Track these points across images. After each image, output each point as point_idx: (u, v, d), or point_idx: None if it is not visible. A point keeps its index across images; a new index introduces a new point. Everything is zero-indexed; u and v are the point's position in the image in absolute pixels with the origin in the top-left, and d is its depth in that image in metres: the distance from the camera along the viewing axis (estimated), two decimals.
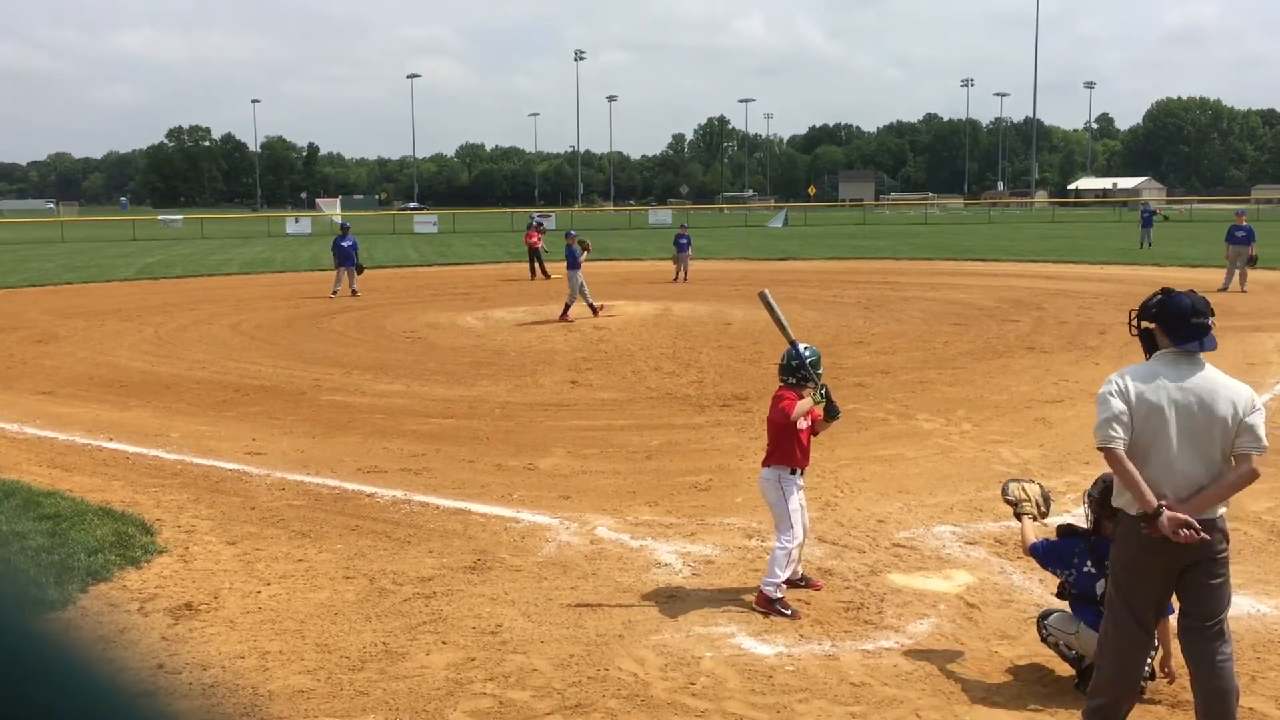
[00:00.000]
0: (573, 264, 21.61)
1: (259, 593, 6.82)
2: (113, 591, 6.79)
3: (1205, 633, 4.61)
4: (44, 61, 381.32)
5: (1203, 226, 57.31)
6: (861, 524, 8.09)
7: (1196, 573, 4.59)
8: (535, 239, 32.21)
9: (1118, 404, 4.59)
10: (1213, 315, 4.68)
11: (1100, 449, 4.64)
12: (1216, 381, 4.62)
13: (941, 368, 15.25)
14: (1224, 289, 24.84)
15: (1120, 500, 4.70)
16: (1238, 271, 24.99)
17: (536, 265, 32.04)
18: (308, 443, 11.08)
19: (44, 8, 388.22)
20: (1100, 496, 5.37)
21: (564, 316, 21.15)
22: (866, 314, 22.00)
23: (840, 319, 21.23)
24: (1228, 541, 4.66)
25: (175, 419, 12.40)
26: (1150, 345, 4.80)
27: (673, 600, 6.65)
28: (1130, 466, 4.51)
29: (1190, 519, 4.39)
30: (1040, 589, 6.71)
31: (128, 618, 6.40)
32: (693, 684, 5.48)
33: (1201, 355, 4.65)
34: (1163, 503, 4.45)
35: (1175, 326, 4.64)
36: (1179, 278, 28.99)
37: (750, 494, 8.92)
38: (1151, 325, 4.76)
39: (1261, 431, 4.56)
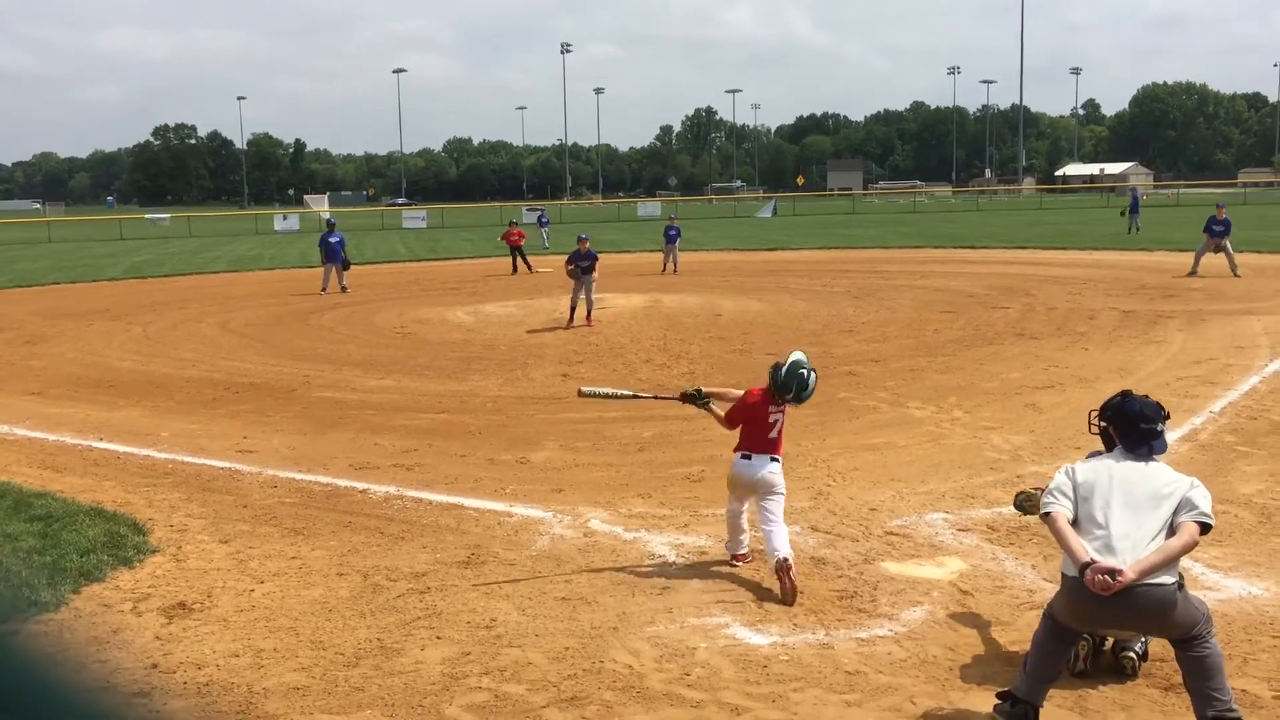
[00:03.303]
0: (592, 267, 19.96)
1: (252, 591, 6.81)
2: (106, 592, 6.77)
3: (1180, 644, 4.79)
4: (28, 60, 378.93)
5: (1190, 210, 57.46)
6: (854, 512, 8.11)
7: (1142, 629, 4.96)
8: (516, 237, 32.09)
9: (1061, 478, 5.05)
10: (1163, 420, 5.06)
11: (1041, 515, 5.09)
12: (1161, 469, 4.98)
13: (932, 355, 15.28)
14: (1191, 274, 24.98)
15: (1064, 564, 4.93)
16: (1225, 256, 25.08)
17: (519, 260, 31.97)
18: (299, 440, 11.06)
19: (27, 6, 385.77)
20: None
21: (589, 320, 19.53)
22: (856, 303, 22.02)
23: (830, 308, 21.25)
24: (1177, 604, 4.71)
25: (165, 418, 12.36)
26: (1109, 443, 5.17)
27: (667, 592, 6.65)
28: (1065, 526, 4.86)
29: (1113, 568, 4.60)
30: (1033, 575, 6.74)
31: (121, 618, 6.38)
32: (688, 675, 5.49)
33: (1152, 456, 5.01)
34: (1093, 558, 4.70)
35: (1125, 432, 5.04)
36: (1166, 262, 29.11)
37: None
38: (1106, 425, 5.16)
39: (1202, 503, 4.79)
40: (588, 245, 20.04)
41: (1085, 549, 4.73)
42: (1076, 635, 5.05)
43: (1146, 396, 5.18)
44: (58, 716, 0.71)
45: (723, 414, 7.22)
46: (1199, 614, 4.78)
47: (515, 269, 31.84)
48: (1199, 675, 4.71)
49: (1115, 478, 4.90)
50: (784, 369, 6.97)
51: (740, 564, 7.08)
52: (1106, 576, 4.59)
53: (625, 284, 26.82)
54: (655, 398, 8.37)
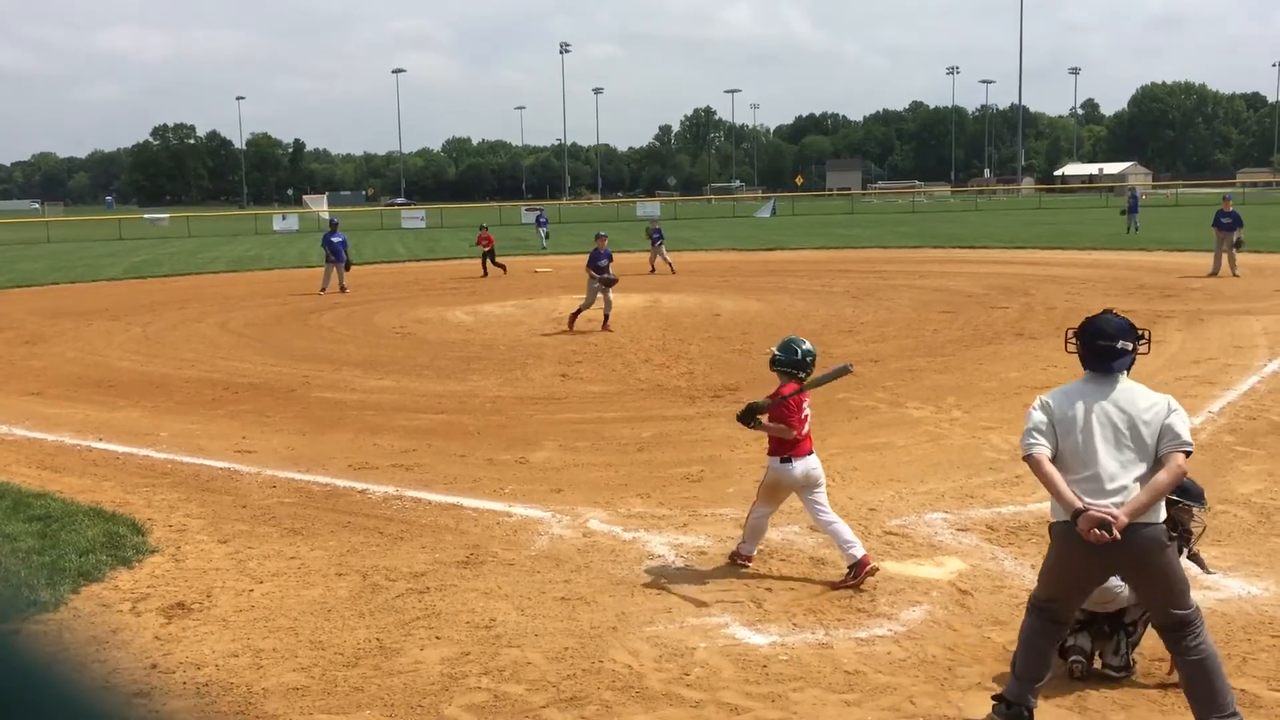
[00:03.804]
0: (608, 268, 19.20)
1: (251, 591, 6.80)
2: (105, 592, 6.77)
3: (1167, 626, 4.75)
4: (27, 60, 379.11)
5: (1189, 210, 57.48)
6: (853, 512, 8.10)
7: (1132, 576, 4.85)
8: (485, 241, 31.31)
9: (1038, 415, 4.86)
10: (1130, 339, 4.87)
11: (1024, 458, 4.89)
12: (1135, 391, 4.83)
13: (931, 355, 15.29)
14: (1214, 273, 24.93)
15: (1054, 506, 4.86)
16: (1225, 255, 25.07)
17: (489, 263, 31.04)
18: (298, 440, 11.06)
19: (27, 6, 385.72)
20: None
21: (605, 325, 18.78)
22: (855, 303, 22.02)
23: (829, 308, 21.25)
24: (1167, 544, 4.74)
25: (165, 418, 12.36)
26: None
27: (666, 591, 6.65)
28: (1050, 469, 4.74)
29: (1105, 517, 4.53)
30: (1032, 574, 6.73)
31: (120, 618, 6.38)
32: (687, 675, 5.49)
33: (1124, 375, 4.86)
34: (1086, 504, 4.62)
35: (1087, 350, 4.91)
36: (1166, 262, 29.13)
37: (742, 485, 8.94)
38: (1077, 344, 5.01)
39: (1183, 431, 4.72)
40: (605, 243, 19.62)
41: (1074, 495, 4.64)
42: (1064, 626, 4.97)
43: (1122, 317, 4.96)
44: (58, 716, 0.71)
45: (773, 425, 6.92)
46: (1185, 579, 4.80)
47: (485, 272, 30.90)
48: (1198, 677, 4.68)
49: (1092, 409, 4.75)
50: (792, 351, 6.99)
51: (748, 565, 7.05)
52: (1102, 531, 4.51)
53: (624, 284, 26.68)
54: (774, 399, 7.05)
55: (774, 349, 7.19)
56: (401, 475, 9.52)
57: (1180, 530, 5.39)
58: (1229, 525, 7.58)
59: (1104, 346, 4.84)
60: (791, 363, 7.02)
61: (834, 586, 6.66)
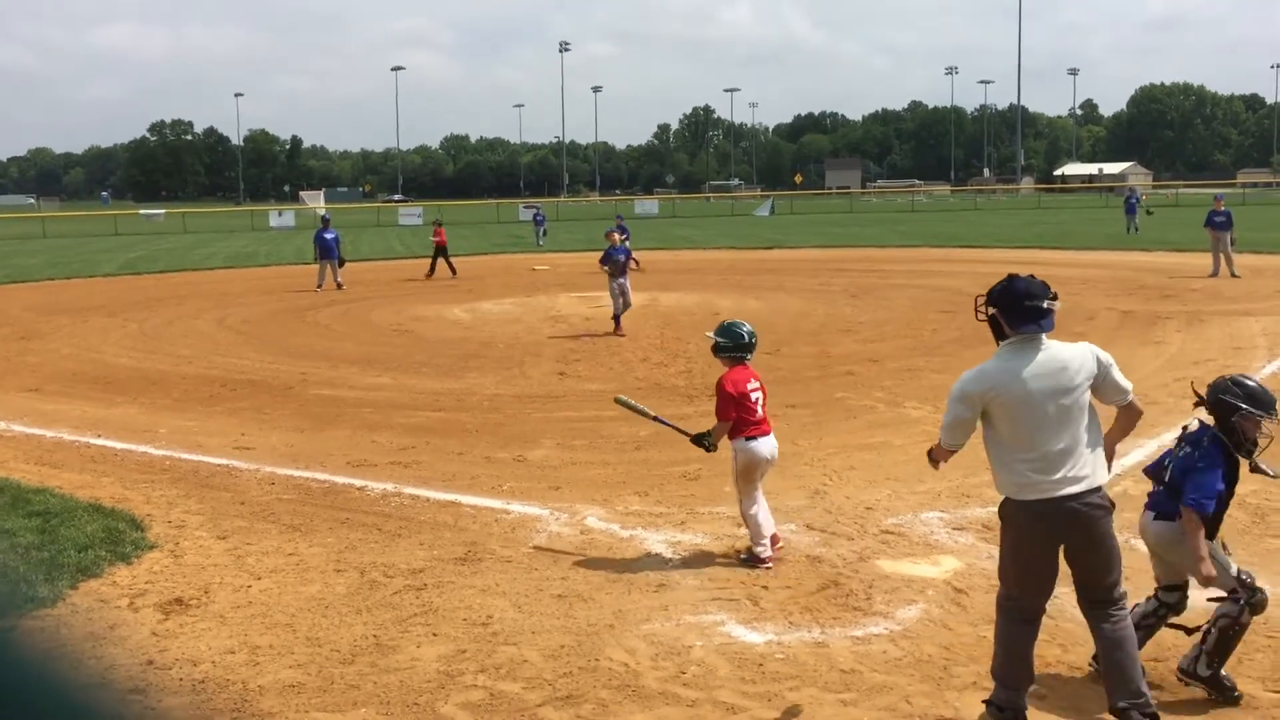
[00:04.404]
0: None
1: (249, 587, 6.81)
2: (103, 587, 6.77)
3: (1101, 602, 4.77)
4: (24, 56, 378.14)
5: (1189, 211, 57.48)
6: (850, 511, 8.12)
7: (1077, 547, 4.76)
8: (439, 237, 30.03)
9: (961, 410, 4.87)
10: (1051, 298, 4.77)
11: (948, 448, 5.05)
12: (1062, 355, 4.75)
13: (929, 355, 15.30)
14: (1213, 274, 24.94)
15: (1003, 486, 4.83)
16: (1223, 255, 25.09)
17: (441, 261, 29.66)
18: (296, 437, 11.06)
19: (24, 4, 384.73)
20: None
21: (618, 328, 18.09)
22: (854, 302, 22.04)
23: (828, 307, 21.26)
24: (1111, 510, 4.77)
25: (163, 415, 12.36)
26: (999, 331, 4.90)
27: (663, 589, 6.66)
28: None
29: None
30: None
31: (118, 613, 6.39)
32: (683, 673, 5.49)
33: (1042, 335, 4.78)
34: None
35: (1012, 310, 4.77)
36: (1166, 263, 29.14)
37: None
38: (994, 310, 4.88)
39: (1120, 380, 4.78)
40: (618, 239, 18.77)
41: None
42: (1036, 624, 4.90)
43: (1032, 276, 4.92)
44: (56, 713, 0.71)
45: (719, 429, 7.17)
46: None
47: (433, 271, 29.52)
48: (1121, 656, 4.69)
49: (1029, 389, 4.65)
50: (738, 335, 7.25)
51: (770, 565, 6.97)
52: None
53: None
54: (677, 429, 7.74)
55: (715, 336, 7.37)
56: (399, 472, 9.52)
57: (1246, 440, 5.15)
58: (1224, 526, 7.58)
59: (1032, 307, 4.73)
60: (739, 346, 7.27)
61: (762, 564, 7.00)
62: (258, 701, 5.26)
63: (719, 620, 6.18)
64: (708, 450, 7.23)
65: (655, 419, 7.88)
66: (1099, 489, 4.70)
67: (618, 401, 7.94)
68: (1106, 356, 4.84)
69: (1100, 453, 4.78)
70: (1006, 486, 4.79)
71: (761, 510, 7.07)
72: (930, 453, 5.28)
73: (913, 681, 5.36)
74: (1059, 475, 4.62)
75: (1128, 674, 4.70)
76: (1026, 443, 4.67)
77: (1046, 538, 4.72)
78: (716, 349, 7.34)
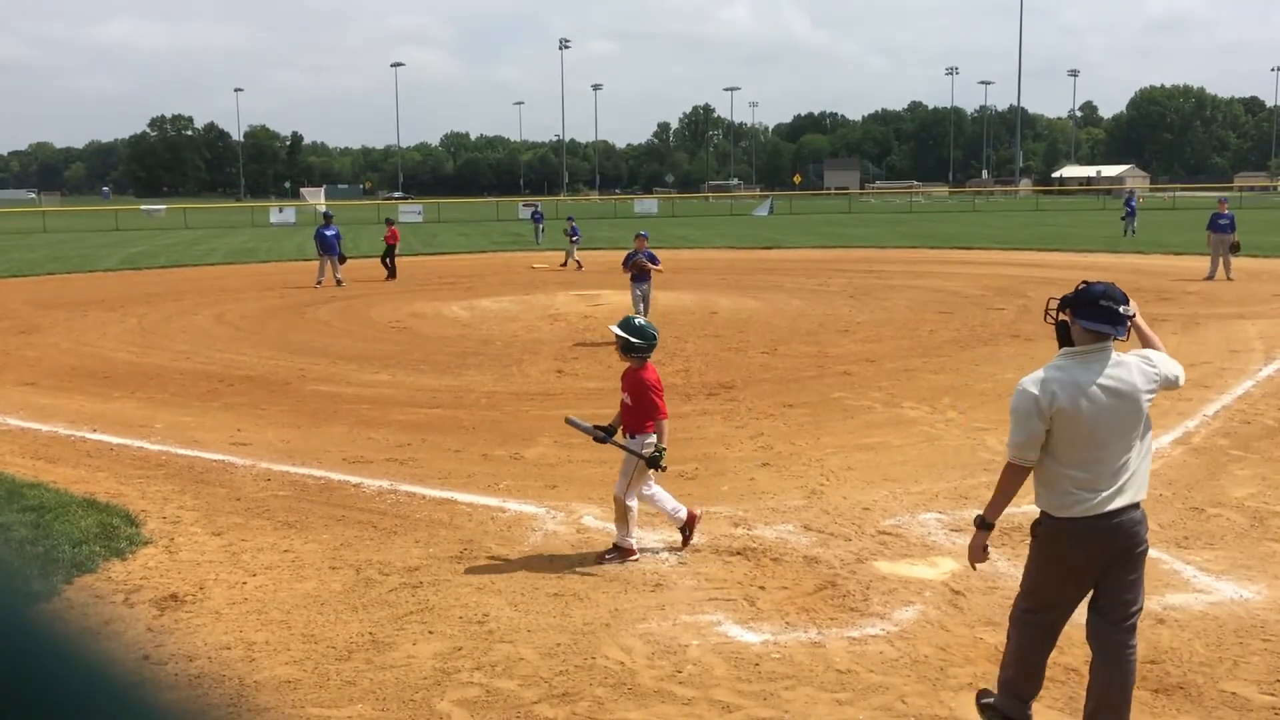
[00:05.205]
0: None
1: (245, 583, 6.80)
2: (98, 583, 6.76)
3: (1119, 628, 4.57)
4: (25, 51, 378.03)
5: (1186, 214, 57.54)
6: (847, 512, 8.11)
7: (1115, 565, 4.53)
8: (390, 236, 29.30)
9: (1036, 424, 4.53)
10: (1128, 304, 4.59)
11: (1013, 463, 4.60)
12: (1129, 363, 4.59)
13: (927, 356, 15.30)
14: (1210, 277, 24.96)
15: (1044, 501, 4.59)
16: (1221, 259, 25.10)
17: (389, 261, 29.02)
18: (293, 433, 11.05)
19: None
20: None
21: None
22: (852, 302, 22.04)
23: (826, 307, 21.26)
24: (1147, 530, 4.60)
25: (159, 410, 12.34)
26: (1064, 338, 4.72)
27: (659, 589, 6.66)
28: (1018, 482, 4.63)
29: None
30: None
31: (113, 609, 6.38)
32: (679, 672, 5.49)
33: (1110, 344, 4.60)
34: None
35: (1086, 310, 4.57)
36: (1163, 265, 29.16)
37: (737, 482, 8.95)
38: (1066, 316, 4.70)
39: (1172, 370, 4.65)
40: (646, 243, 17.93)
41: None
42: (1056, 636, 4.75)
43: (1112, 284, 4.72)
44: (93, 694, 0.71)
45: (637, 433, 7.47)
46: None
47: (393, 272, 28.91)
48: (1125, 685, 4.56)
49: (1095, 403, 4.46)
50: (646, 334, 7.59)
51: (639, 557, 7.19)
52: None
53: (620, 281, 26.77)
54: (631, 451, 7.54)
55: (623, 334, 7.51)
56: (396, 469, 9.51)
57: None
58: (1222, 529, 7.60)
59: (1109, 307, 4.52)
60: (651, 346, 7.64)
61: (681, 545, 7.33)
62: (254, 697, 5.25)
63: (715, 620, 6.17)
64: (661, 469, 7.41)
65: (606, 441, 7.62)
66: (1139, 504, 4.51)
67: (568, 422, 7.85)
68: (1159, 355, 4.69)
69: (1147, 467, 4.59)
70: (1049, 503, 4.56)
71: (658, 492, 7.41)
72: (1001, 482, 4.73)
73: (909, 682, 5.36)
74: (1108, 491, 4.43)
75: (1124, 708, 4.57)
76: (1081, 458, 4.47)
77: (1087, 555, 4.50)
78: (629, 348, 7.50)
